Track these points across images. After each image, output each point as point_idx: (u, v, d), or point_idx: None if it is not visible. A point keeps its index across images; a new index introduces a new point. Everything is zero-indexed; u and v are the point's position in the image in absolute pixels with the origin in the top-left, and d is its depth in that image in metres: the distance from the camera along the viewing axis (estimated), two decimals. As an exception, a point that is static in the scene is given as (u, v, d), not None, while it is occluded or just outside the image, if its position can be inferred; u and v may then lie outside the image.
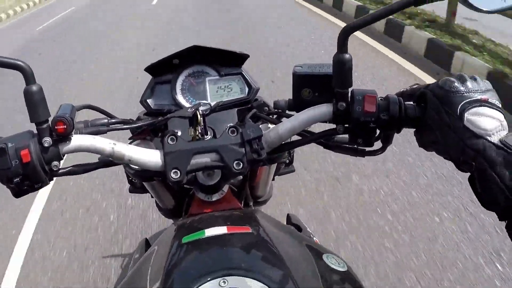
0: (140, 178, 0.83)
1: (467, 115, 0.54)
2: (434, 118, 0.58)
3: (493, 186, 0.50)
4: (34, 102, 0.61)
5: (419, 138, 0.64)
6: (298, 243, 0.69)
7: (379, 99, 0.64)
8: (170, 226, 0.80)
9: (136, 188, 1.07)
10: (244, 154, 0.65)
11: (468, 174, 0.56)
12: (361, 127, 0.63)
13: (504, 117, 0.55)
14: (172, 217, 1.15)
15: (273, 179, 1.11)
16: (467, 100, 0.55)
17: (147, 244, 1.10)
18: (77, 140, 0.65)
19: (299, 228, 1.01)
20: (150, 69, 0.85)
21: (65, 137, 0.64)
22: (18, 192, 0.64)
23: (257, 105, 0.84)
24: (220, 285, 0.51)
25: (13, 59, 0.60)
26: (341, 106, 0.64)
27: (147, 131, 0.81)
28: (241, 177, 0.99)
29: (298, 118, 0.67)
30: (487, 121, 0.53)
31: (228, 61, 0.85)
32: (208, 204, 0.80)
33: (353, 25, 0.60)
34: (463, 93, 0.56)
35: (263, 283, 0.51)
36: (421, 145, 0.64)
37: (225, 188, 0.81)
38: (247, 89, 0.85)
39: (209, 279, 0.51)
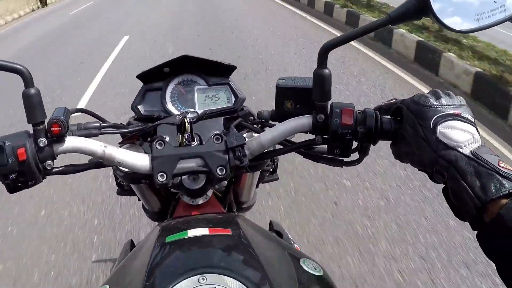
0: (129, 181, 0.86)
1: (440, 128, 0.56)
2: (409, 132, 0.61)
3: (464, 196, 0.52)
4: (32, 104, 0.65)
5: (395, 150, 0.67)
6: (277, 248, 0.72)
7: (357, 112, 0.67)
8: (154, 227, 0.83)
9: (123, 190, 1.09)
10: (228, 160, 0.69)
11: (442, 186, 0.58)
12: (338, 138, 0.67)
13: (477, 131, 0.57)
14: (158, 220, 1.17)
15: (257, 187, 1.15)
16: (440, 114, 0.58)
17: (132, 245, 1.13)
18: (71, 141, 0.68)
19: (280, 234, 1.04)
20: (141, 77, 0.88)
21: (59, 138, 0.67)
22: (13, 188, 0.67)
23: (242, 115, 0.87)
24: (199, 282, 0.54)
25: (14, 63, 0.63)
26: (320, 118, 0.68)
27: (137, 135, 0.84)
28: (225, 183, 1.03)
29: (279, 129, 0.71)
30: (459, 133, 0.56)
31: (216, 71, 0.89)
32: (193, 207, 0.84)
33: (333, 42, 0.63)
34: (437, 107, 0.59)
35: (240, 282, 0.54)
36: (397, 156, 0.67)
37: (209, 192, 0.84)
38: (233, 99, 0.89)
39: (189, 275, 0.55)
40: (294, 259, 0.67)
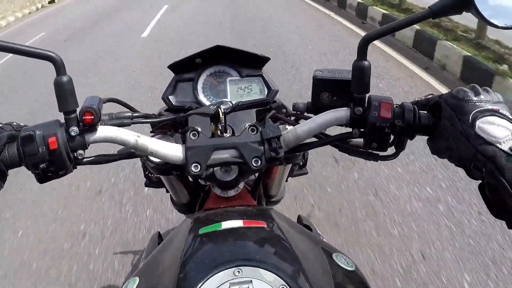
0: (159, 172, 0.86)
1: (478, 123, 0.56)
2: (447, 126, 0.60)
3: (502, 192, 0.52)
4: (64, 93, 0.63)
5: (432, 146, 0.66)
6: (310, 241, 0.71)
7: (394, 106, 0.66)
8: (185, 219, 0.82)
9: (152, 182, 1.10)
10: (263, 152, 0.68)
11: (479, 182, 0.57)
12: (376, 132, 0.65)
13: None
14: (186, 212, 1.17)
15: (286, 180, 1.14)
16: (479, 109, 0.57)
17: (160, 237, 1.13)
18: (103, 131, 0.67)
19: (309, 228, 1.03)
20: (172, 67, 0.88)
21: (91, 128, 0.66)
22: (43, 177, 0.66)
23: (275, 107, 0.86)
24: (235, 274, 0.53)
25: (46, 50, 0.62)
26: (358, 111, 0.66)
27: (168, 126, 0.83)
28: (255, 176, 1.02)
29: (316, 121, 0.69)
30: (498, 129, 0.55)
31: (249, 63, 0.87)
32: (224, 199, 0.83)
33: (373, 34, 0.62)
34: (475, 102, 0.58)
35: (276, 275, 0.53)
36: (434, 152, 0.66)
37: (241, 185, 0.83)
38: (266, 91, 0.88)
39: (224, 268, 0.54)
40: (327, 254, 0.66)
